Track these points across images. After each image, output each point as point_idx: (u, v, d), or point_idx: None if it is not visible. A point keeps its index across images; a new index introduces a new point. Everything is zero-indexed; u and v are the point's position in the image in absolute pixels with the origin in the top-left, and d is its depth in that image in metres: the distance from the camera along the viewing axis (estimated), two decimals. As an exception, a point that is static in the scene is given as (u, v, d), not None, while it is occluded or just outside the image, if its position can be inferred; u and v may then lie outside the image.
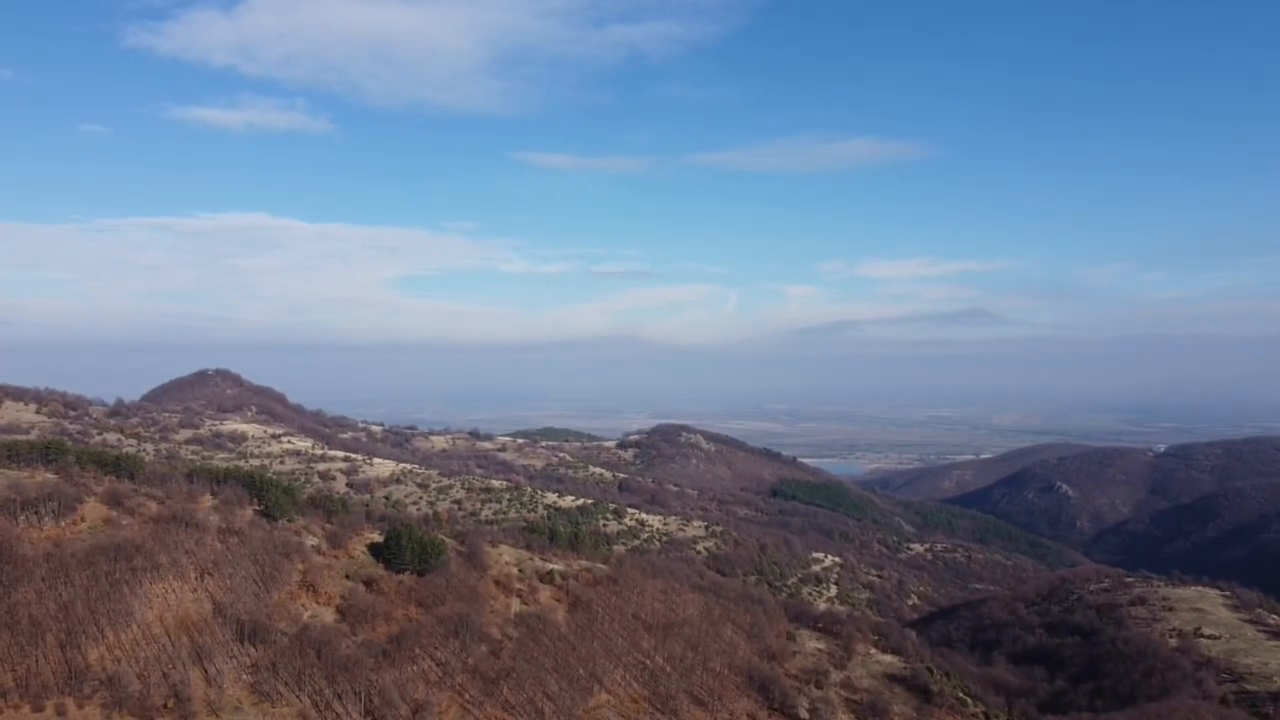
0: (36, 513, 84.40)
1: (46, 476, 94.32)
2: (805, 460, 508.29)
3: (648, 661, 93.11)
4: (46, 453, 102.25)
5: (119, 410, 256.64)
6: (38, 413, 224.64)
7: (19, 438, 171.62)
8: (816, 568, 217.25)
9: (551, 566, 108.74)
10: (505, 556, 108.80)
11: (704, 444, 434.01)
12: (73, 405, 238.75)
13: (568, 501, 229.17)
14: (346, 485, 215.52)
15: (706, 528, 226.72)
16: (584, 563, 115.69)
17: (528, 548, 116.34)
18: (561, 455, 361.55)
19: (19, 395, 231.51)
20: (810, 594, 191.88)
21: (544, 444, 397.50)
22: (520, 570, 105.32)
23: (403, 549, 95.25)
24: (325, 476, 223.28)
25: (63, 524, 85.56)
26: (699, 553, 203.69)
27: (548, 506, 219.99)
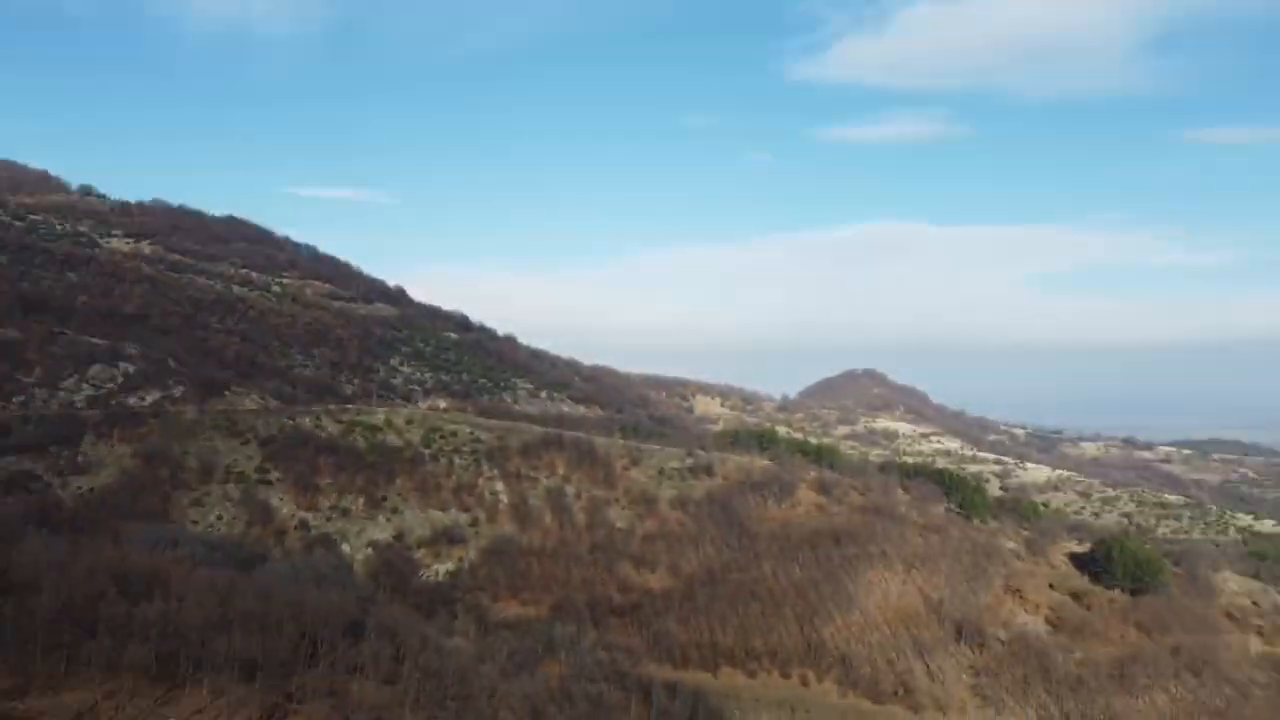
0: (763, 495, 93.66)
1: (765, 463, 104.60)
2: None
3: None
4: (761, 440, 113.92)
5: (785, 406, 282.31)
6: (722, 405, 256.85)
7: (714, 427, 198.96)
8: None
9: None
10: (1231, 585, 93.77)
11: None
12: (749, 400, 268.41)
13: (1268, 526, 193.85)
14: (1000, 489, 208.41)
15: None
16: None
17: (1256, 576, 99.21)
18: (1242, 471, 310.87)
19: (709, 390, 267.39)
20: None
21: (1216, 457, 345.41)
22: (1255, 604, 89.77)
23: (1114, 563, 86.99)
24: (978, 479, 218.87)
25: (783, 507, 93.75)
26: None
27: (1241, 529, 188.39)
